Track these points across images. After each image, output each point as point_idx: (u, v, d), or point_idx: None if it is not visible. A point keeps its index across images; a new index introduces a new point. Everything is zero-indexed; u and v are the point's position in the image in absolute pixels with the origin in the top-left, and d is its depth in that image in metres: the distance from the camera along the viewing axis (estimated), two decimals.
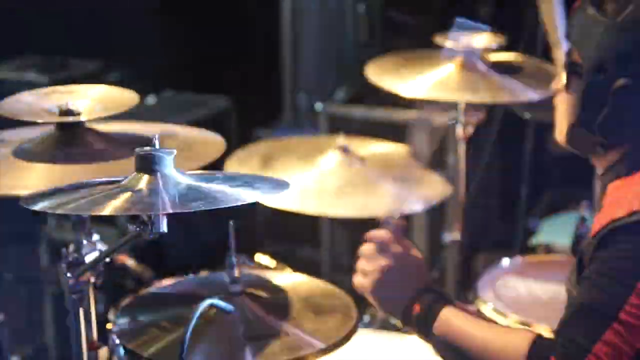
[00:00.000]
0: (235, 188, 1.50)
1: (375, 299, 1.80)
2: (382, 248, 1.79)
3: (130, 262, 2.34)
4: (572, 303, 1.65)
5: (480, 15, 4.56)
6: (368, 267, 1.79)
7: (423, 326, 1.72)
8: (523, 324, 2.37)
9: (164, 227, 1.46)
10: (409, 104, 3.54)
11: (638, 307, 1.52)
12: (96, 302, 1.80)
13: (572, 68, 1.73)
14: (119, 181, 1.49)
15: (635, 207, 1.56)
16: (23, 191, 1.59)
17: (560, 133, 1.79)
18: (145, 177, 1.47)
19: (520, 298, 2.51)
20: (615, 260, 1.57)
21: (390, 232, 1.82)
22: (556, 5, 2.48)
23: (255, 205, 2.18)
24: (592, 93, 1.69)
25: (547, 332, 2.30)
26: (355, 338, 1.86)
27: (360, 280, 1.81)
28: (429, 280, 1.80)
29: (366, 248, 1.81)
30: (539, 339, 1.63)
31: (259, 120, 4.62)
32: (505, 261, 2.75)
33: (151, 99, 4.19)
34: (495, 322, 1.82)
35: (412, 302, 1.74)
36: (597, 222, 1.63)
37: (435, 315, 1.71)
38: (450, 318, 1.70)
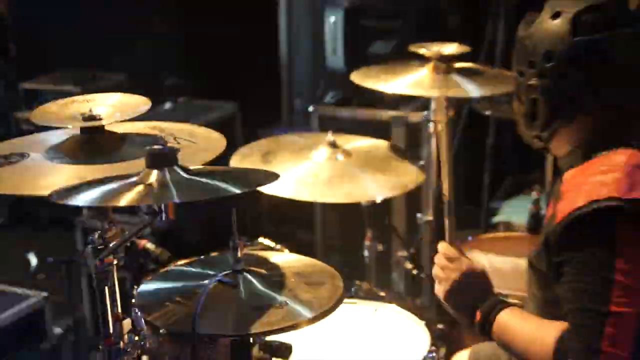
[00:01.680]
0: (233, 179, 1.47)
1: (447, 305, 1.80)
2: (452, 262, 1.79)
3: (150, 245, 2.31)
4: (569, 310, 1.56)
5: (448, 28, 4.54)
6: (441, 275, 1.79)
7: (483, 331, 1.71)
8: None
9: (172, 215, 1.44)
10: (388, 105, 3.53)
11: (622, 296, 1.48)
12: (121, 281, 1.77)
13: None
14: (132, 176, 1.47)
15: (594, 196, 1.51)
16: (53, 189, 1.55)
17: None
18: (155, 172, 1.45)
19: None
20: (587, 256, 1.52)
21: (456, 249, 1.82)
22: None
23: (258, 195, 2.16)
24: (518, 93, 1.71)
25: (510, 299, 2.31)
26: (342, 306, 1.84)
27: (436, 287, 1.81)
28: (490, 289, 1.79)
29: (439, 259, 1.82)
30: (562, 339, 1.56)
31: (260, 122, 4.59)
32: (471, 237, 2.73)
33: (168, 105, 4.16)
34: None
35: (474, 310, 1.73)
36: (560, 211, 1.57)
37: (492, 322, 1.69)
38: (502, 323, 1.69)
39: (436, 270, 1.81)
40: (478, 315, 1.72)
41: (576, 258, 1.53)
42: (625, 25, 1.60)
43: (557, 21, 1.62)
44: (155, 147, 1.45)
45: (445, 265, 1.80)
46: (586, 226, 1.52)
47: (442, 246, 1.84)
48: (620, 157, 1.58)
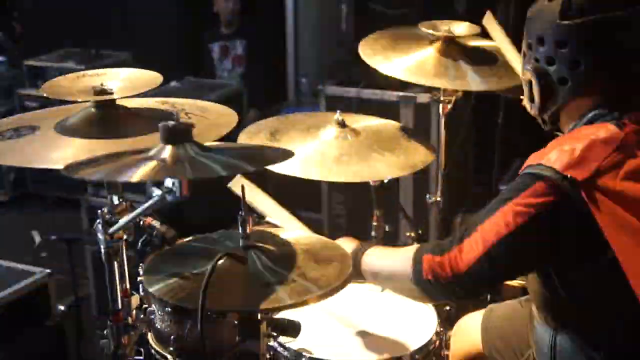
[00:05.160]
0: (248, 156, 1.48)
1: None
2: None
3: (156, 223, 2.31)
4: None
5: (456, 7, 4.53)
6: None
7: (356, 268, 1.91)
8: None
9: (186, 191, 1.44)
10: (397, 85, 3.54)
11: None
12: (128, 258, 1.78)
13: None
14: (146, 151, 1.48)
15: (536, 160, 1.59)
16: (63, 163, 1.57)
17: None
18: (169, 148, 1.46)
19: None
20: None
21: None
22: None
23: (264, 174, 2.15)
24: (522, 74, 1.75)
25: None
26: (350, 286, 1.85)
27: None
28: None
29: None
30: (417, 249, 1.78)
31: (266, 103, 4.59)
32: None
33: (175, 83, 4.16)
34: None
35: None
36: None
37: (360, 261, 1.93)
38: (365, 259, 1.93)
39: None
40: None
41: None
42: (616, 9, 1.59)
43: (552, 3, 1.62)
44: (170, 122, 1.46)
45: None
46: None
47: None
48: (590, 130, 1.61)
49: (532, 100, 1.72)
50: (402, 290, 1.88)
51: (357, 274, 1.93)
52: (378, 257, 1.93)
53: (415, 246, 1.81)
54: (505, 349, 2.07)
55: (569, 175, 1.53)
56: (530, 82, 1.70)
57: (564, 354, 1.71)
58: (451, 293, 1.73)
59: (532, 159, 1.63)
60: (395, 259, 1.87)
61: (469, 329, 2.16)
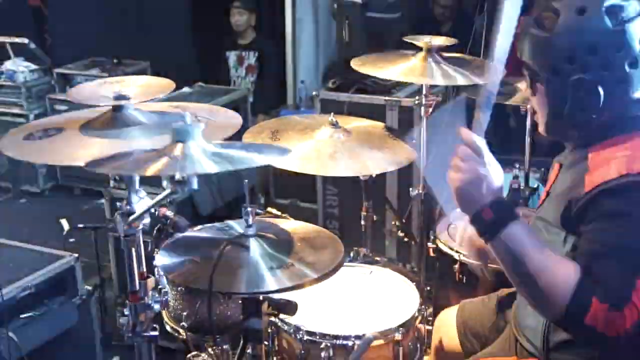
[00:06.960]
0: (249, 153, 1.46)
1: (457, 195, 1.52)
2: (477, 154, 1.51)
3: (169, 213, 2.29)
4: (592, 249, 1.46)
5: (442, 29, 4.53)
6: (462, 165, 1.51)
7: (490, 229, 1.48)
8: (467, 257, 2.34)
9: (195, 185, 1.42)
10: (383, 91, 3.52)
11: None
12: (144, 244, 1.76)
13: (533, 77, 1.65)
14: (159, 149, 1.46)
15: (624, 170, 1.47)
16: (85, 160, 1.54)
17: (542, 128, 1.69)
18: (180, 146, 1.43)
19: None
20: (627, 219, 1.44)
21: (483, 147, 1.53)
22: None
23: (266, 169, 2.13)
24: (554, 91, 1.60)
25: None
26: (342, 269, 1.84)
27: (452, 175, 1.52)
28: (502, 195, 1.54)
29: (464, 149, 1.52)
30: (582, 279, 1.42)
31: (274, 108, 4.59)
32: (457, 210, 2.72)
33: (187, 89, 4.13)
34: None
35: (485, 207, 1.49)
36: (589, 182, 1.50)
37: (505, 225, 1.47)
38: (517, 232, 1.47)
39: (457, 160, 1.52)
40: (489, 212, 1.49)
41: (615, 222, 1.45)
42: None
43: (588, 15, 1.54)
44: (180, 123, 1.43)
45: (470, 156, 1.52)
46: (621, 196, 1.46)
47: (473, 138, 1.53)
48: None
49: (580, 111, 1.57)
50: (535, 298, 1.47)
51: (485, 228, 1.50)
52: (533, 246, 1.47)
53: (577, 269, 1.43)
54: (474, 337, 2.06)
55: None
56: (565, 97, 1.57)
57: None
58: (610, 345, 1.42)
59: (604, 175, 1.47)
60: (555, 270, 1.44)
61: (447, 323, 2.14)
